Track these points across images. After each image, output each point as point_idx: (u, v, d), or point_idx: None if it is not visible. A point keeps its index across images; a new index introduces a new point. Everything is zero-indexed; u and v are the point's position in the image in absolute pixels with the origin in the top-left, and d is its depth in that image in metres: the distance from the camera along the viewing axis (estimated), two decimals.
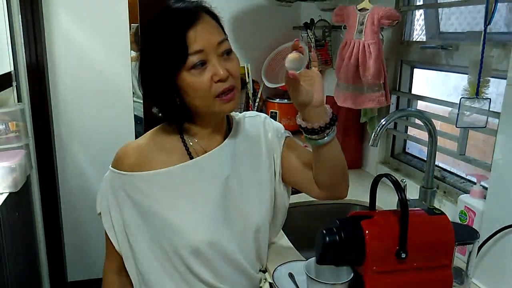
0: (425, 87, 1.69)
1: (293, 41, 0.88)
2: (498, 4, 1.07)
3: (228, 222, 0.97)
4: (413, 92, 1.62)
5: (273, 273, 1.00)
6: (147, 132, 1.02)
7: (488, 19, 1.08)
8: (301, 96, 0.85)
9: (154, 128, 1.03)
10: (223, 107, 0.91)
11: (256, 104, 2.17)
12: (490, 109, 1.09)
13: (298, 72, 0.84)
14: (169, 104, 0.93)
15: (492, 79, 1.12)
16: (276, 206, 1.07)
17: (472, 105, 1.12)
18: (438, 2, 1.49)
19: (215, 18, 0.93)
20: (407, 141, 1.69)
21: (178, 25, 0.86)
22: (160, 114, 0.98)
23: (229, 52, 0.91)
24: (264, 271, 1.08)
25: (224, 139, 1.02)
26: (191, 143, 0.99)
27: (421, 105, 1.60)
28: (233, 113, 1.07)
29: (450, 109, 1.25)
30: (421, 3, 1.57)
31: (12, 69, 1.91)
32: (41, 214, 2.13)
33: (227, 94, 0.90)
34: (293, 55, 0.85)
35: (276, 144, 1.06)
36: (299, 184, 1.06)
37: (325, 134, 0.88)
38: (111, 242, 1.01)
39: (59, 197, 2.21)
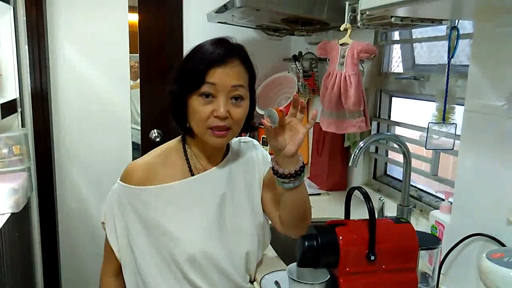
0: (409, 114, 1.81)
1: (294, 95, 0.97)
2: (461, 40, 1.21)
3: (222, 237, 1.07)
4: (396, 118, 1.74)
5: (260, 281, 1.09)
6: (154, 149, 1.13)
7: (451, 53, 1.22)
8: (274, 142, 0.97)
9: (161, 146, 1.14)
10: (211, 139, 1.02)
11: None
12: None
13: (271, 125, 0.94)
14: (180, 117, 1.05)
15: (459, 106, 1.25)
16: (264, 230, 1.16)
17: (440, 130, 1.25)
18: (413, 37, 1.64)
19: (245, 62, 1.04)
20: (388, 164, 1.80)
21: (206, 63, 0.98)
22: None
23: (239, 98, 1.01)
24: (252, 282, 1.17)
25: (222, 160, 1.13)
26: (192, 161, 1.10)
27: (403, 131, 1.71)
28: None
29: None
30: (397, 38, 1.72)
31: (18, 96, 2.01)
32: (39, 235, 2.19)
33: (220, 131, 1.00)
34: (275, 112, 0.94)
35: (261, 170, 1.17)
36: (268, 213, 1.16)
37: (290, 181, 0.99)
38: (111, 248, 1.09)
39: (57, 219, 2.28)
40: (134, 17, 2.25)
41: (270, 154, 1.22)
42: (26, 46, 2.06)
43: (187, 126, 1.07)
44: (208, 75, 0.98)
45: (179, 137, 1.14)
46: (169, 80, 1.06)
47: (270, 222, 1.19)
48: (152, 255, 1.05)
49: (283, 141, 0.97)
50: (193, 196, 1.07)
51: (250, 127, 1.13)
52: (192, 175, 1.09)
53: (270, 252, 1.27)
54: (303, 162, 1.00)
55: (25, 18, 2.02)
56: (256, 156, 1.18)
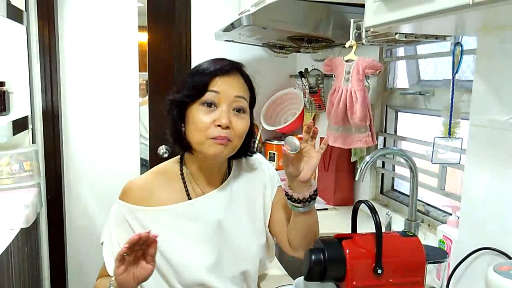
0: (415, 129, 1.81)
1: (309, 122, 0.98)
2: (466, 56, 1.23)
3: (220, 264, 1.05)
4: (403, 133, 1.75)
5: None
6: (153, 168, 1.12)
7: (455, 69, 1.24)
8: (290, 168, 0.97)
9: (161, 165, 1.13)
10: (211, 148, 0.98)
11: (256, 146, 2.31)
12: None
13: (291, 152, 0.94)
14: (175, 130, 1.04)
15: (465, 121, 1.26)
16: (269, 246, 1.16)
17: (446, 144, 1.26)
18: (418, 53, 1.66)
19: (246, 79, 1.06)
20: (395, 179, 1.80)
21: (210, 72, 1.00)
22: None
23: (241, 110, 1.01)
24: None
25: (223, 181, 1.11)
26: (190, 184, 1.08)
27: (409, 146, 1.72)
28: None
29: None
30: (402, 54, 1.74)
31: (29, 113, 2.06)
32: (47, 251, 2.21)
33: (220, 140, 0.98)
34: (295, 140, 0.94)
35: (269, 191, 1.15)
36: (275, 235, 1.15)
37: (304, 205, 1.00)
38: (106, 269, 1.06)
39: (65, 234, 2.30)
40: (144, 37, 2.31)
41: (277, 170, 1.23)
42: (38, 65, 2.12)
43: (184, 141, 1.04)
44: (212, 83, 0.99)
45: (177, 158, 1.12)
46: (170, 91, 1.06)
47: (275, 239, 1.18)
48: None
49: (298, 167, 0.97)
50: (189, 222, 1.04)
51: (248, 150, 1.13)
52: (190, 198, 1.07)
53: (277, 267, 1.27)
54: (316, 189, 1.01)
55: (37, 38, 2.08)
56: (261, 175, 1.16)
